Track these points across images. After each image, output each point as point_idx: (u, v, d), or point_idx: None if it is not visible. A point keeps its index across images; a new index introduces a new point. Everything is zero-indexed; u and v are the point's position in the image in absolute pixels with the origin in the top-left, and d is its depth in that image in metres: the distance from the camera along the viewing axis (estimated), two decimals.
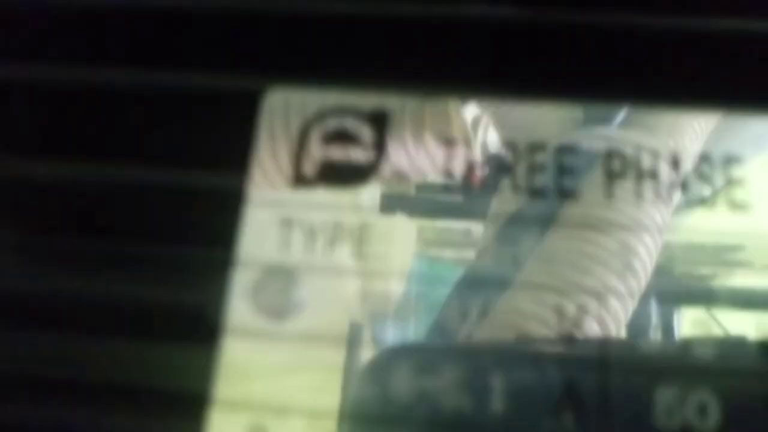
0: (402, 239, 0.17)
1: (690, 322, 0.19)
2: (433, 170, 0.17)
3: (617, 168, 0.16)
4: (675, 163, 0.16)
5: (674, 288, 0.17)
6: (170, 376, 0.15)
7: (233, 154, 0.17)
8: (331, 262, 0.15)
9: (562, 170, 0.16)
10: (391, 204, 0.17)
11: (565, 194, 0.16)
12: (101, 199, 0.17)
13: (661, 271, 0.17)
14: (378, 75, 0.18)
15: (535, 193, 0.16)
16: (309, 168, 0.17)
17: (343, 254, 0.15)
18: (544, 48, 0.17)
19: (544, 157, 0.16)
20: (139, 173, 0.17)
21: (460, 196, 0.19)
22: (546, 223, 0.17)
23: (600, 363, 0.15)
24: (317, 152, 0.17)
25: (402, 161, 0.17)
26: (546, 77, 0.17)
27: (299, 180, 0.16)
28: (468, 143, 0.18)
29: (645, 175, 0.16)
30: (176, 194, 0.17)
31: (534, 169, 0.16)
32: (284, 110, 0.17)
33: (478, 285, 0.17)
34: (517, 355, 0.15)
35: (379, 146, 0.17)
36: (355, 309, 0.15)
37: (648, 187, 0.16)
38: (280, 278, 0.15)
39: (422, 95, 0.17)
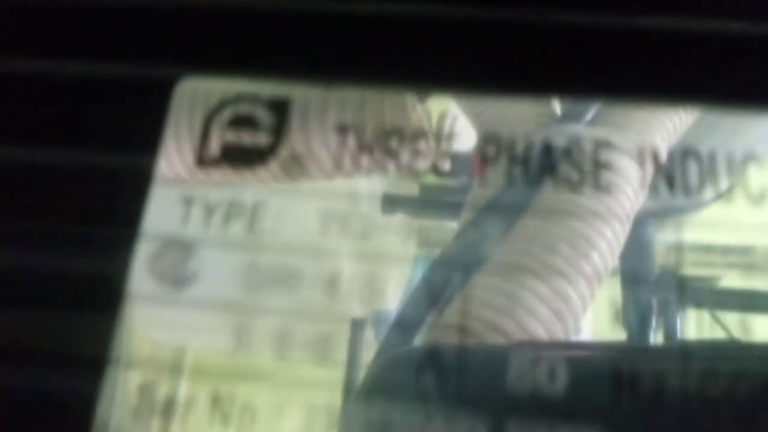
0: (301, 215, 0.18)
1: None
2: (328, 158, 0.18)
3: (578, 160, 0.17)
4: (641, 157, 0.17)
5: (680, 289, 0.18)
6: (74, 339, 0.16)
7: (143, 138, 0.18)
8: (226, 236, 0.17)
9: (537, 162, 0.17)
10: (391, 204, 0.18)
11: (537, 184, 0.17)
12: (21, 179, 0.18)
13: (667, 272, 0.18)
14: (283, 66, 0.19)
15: (511, 182, 0.17)
16: (212, 150, 0.18)
17: (237, 229, 0.17)
18: (498, 45, 0.18)
19: (521, 151, 0.17)
20: (55, 155, 0.18)
21: (461, 197, 0.20)
22: (519, 210, 0.18)
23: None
24: (220, 136, 0.18)
25: (301, 146, 0.18)
26: (499, 73, 0.18)
27: (202, 161, 0.18)
28: (424, 135, 0.19)
29: (604, 169, 0.17)
30: (90, 174, 0.18)
31: (513, 161, 0.17)
32: (192, 99, 0.18)
33: (451, 268, 0.18)
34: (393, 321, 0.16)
35: (278, 131, 0.18)
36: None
37: (609, 180, 0.17)
38: (178, 250, 0.16)
39: (324, 85, 0.19)
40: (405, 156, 0.17)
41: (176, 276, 0.16)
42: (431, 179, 0.24)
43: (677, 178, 0.17)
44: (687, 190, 0.17)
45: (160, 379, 0.16)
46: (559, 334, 0.16)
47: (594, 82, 0.19)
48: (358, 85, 0.19)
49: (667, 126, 0.20)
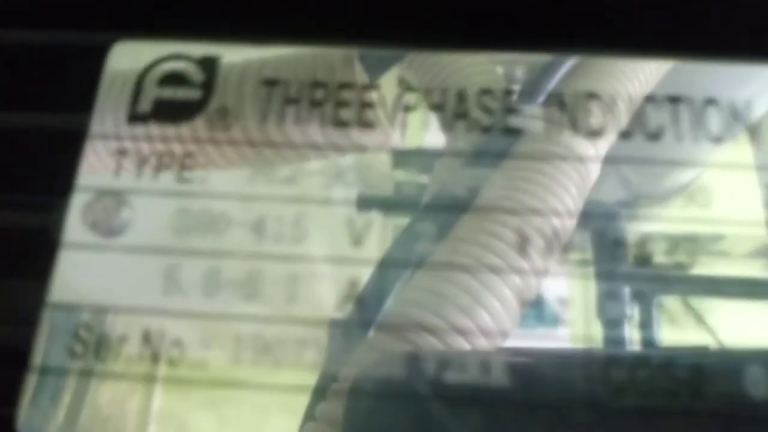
0: (226, 166, 0.19)
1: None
2: (254, 110, 0.18)
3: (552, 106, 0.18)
4: (610, 104, 0.18)
5: (652, 278, 0.18)
6: (11, 287, 0.17)
7: (79, 99, 0.19)
8: (156, 185, 0.17)
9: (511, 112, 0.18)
10: (367, 204, 0.19)
11: (514, 132, 0.18)
12: None
13: (638, 260, 0.18)
14: (213, 27, 0.20)
15: (487, 132, 0.18)
16: (144, 106, 0.18)
17: (168, 179, 0.17)
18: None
19: (494, 102, 0.18)
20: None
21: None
22: (499, 157, 0.19)
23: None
24: (151, 92, 0.19)
25: (229, 100, 0.19)
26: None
27: (134, 117, 0.18)
28: (350, 87, 0.19)
29: (570, 113, 0.18)
30: (28, 133, 0.19)
31: (486, 111, 0.18)
32: (126, 60, 0.19)
33: (437, 210, 0.19)
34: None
35: (208, 86, 0.19)
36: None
37: (579, 125, 0.18)
38: (110, 200, 0.17)
39: (254, 45, 0.19)
40: (335, 113, 0.17)
41: (108, 224, 0.17)
42: (405, 176, 0.25)
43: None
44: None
45: (95, 318, 0.16)
46: (493, 330, 0.17)
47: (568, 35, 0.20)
48: (286, 44, 0.20)
49: (639, 75, 0.20)
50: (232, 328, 0.16)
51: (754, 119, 0.18)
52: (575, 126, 0.18)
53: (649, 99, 0.18)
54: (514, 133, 0.18)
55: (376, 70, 0.21)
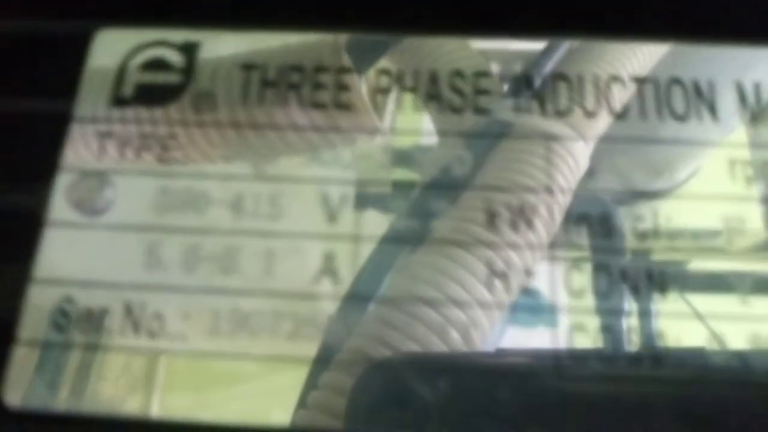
0: (205, 147, 0.19)
1: None
2: (233, 93, 0.19)
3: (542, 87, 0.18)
4: (597, 84, 0.18)
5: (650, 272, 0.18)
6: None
7: (63, 85, 0.19)
8: (138, 166, 0.18)
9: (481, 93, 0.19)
10: (364, 202, 0.19)
11: (483, 112, 0.19)
12: None
13: (636, 255, 0.18)
14: (192, 14, 0.20)
15: (458, 113, 0.18)
16: (126, 90, 0.19)
17: (149, 160, 0.18)
18: None
19: (465, 84, 0.19)
20: None
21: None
22: (471, 137, 0.19)
23: (353, 237, 0.17)
24: (134, 77, 0.19)
25: (208, 84, 0.19)
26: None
27: (117, 101, 0.19)
28: (327, 70, 0.19)
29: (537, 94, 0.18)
30: (16, 117, 0.19)
31: (458, 93, 0.18)
32: (109, 47, 0.19)
33: (437, 187, 0.19)
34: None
35: (188, 71, 0.19)
36: None
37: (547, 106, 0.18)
38: (93, 181, 0.17)
39: (233, 31, 0.20)
40: (312, 95, 0.18)
41: (92, 204, 0.17)
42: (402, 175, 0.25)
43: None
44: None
45: (78, 293, 0.17)
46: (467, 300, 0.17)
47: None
48: (266, 31, 0.20)
49: (638, 55, 0.21)
50: (211, 301, 0.16)
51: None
52: (543, 106, 0.18)
53: (616, 79, 0.19)
54: (483, 113, 0.18)
55: (366, 58, 0.21)
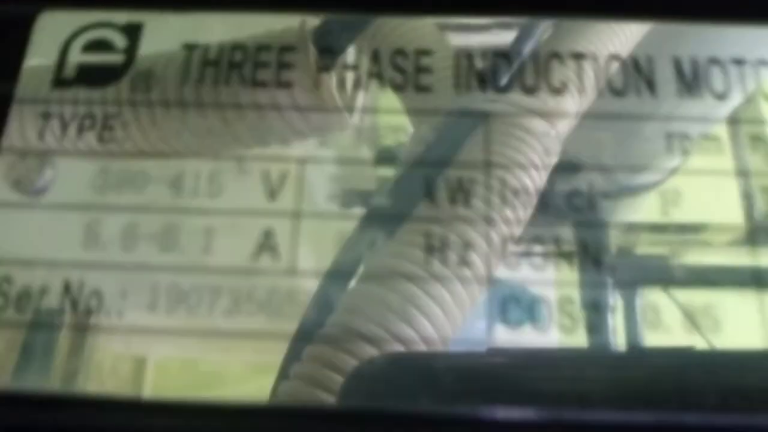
0: (146, 127, 0.19)
1: None
2: (173, 74, 0.19)
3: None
4: (579, 61, 0.19)
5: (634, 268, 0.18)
6: None
7: (4, 67, 0.19)
8: (79, 146, 0.18)
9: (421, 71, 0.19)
10: (350, 199, 0.19)
11: (425, 90, 0.19)
12: None
13: (621, 251, 0.19)
14: None
15: (400, 90, 0.18)
16: (68, 72, 0.19)
17: (90, 139, 0.18)
18: None
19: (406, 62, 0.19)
20: None
21: None
22: (485, 115, 0.19)
23: (293, 214, 0.17)
24: (76, 59, 0.19)
25: (149, 65, 0.19)
26: None
27: (59, 82, 0.19)
28: (268, 49, 0.19)
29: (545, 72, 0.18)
30: None
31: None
32: (51, 29, 0.19)
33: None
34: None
35: (130, 52, 0.19)
36: None
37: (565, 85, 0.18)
38: (34, 161, 0.17)
39: (175, 11, 0.20)
40: (253, 73, 0.18)
41: (32, 184, 0.17)
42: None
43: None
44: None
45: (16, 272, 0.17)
46: (435, 338, 0.17)
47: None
48: (209, 11, 0.20)
49: (619, 35, 0.21)
50: (149, 277, 0.16)
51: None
52: (482, 82, 0.18)
53: (555, 55, 0.19)
54: (425, 90, 0.18)
55: (340, 39, 0.21)
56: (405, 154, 0.20)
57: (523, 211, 0.18)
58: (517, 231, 0.18)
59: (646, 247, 0.20)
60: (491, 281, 0.17)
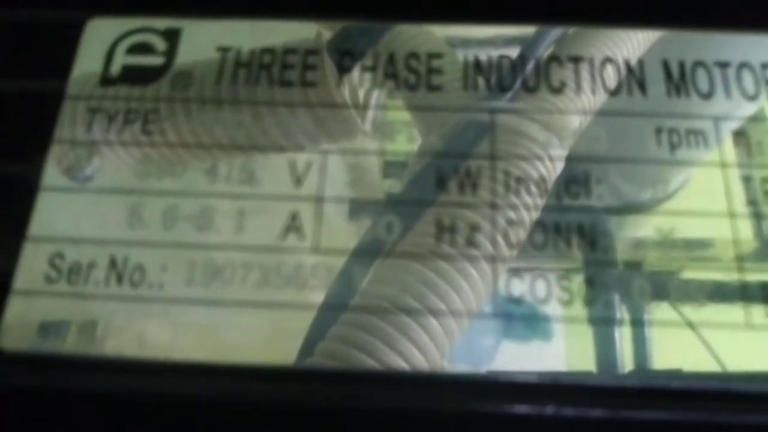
0: (182, 121, 0.21)
1: None
2: (210, 74, 0.20)
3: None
4: (591, 67, 0.20)
5: (642, 283, 0.18)
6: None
7: (58, 66, 0.21)
8: (122, 137, 0.19)
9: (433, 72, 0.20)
10: (359, 210, 0.19)
11: (436, 89, 0.20)
12: None
13: (630, 266, 0.19)
14: (173, 3, 0.22)
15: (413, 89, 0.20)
16: (114, 71, 0.20)
17: (133, 132, 0.19)
18: None
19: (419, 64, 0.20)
20: None
21: None
22: (519, 111, 0.20)
23: (316, 198, 0.19)
24: (121, 60, 0.20)
25: (188, 66, 0.21)
26: None
27: (106, 81, 0.20)
28: (294, 52, 0.20)
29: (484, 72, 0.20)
30: (13, 97, 0.21)
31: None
32: (99, 33, 0.21)
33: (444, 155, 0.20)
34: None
35: (170, 54, 0.21)
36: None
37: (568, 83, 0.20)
38: (83, 150, 0.19)
39: (208, 17, 0.21)
40: (281, 74, 0.19)
41: (81, 171, 0.19)
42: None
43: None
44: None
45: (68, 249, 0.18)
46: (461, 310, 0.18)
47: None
48: (245, 18, 0.22)
49: (633, 40, 0.21)
50: (187, 254, 0.18)
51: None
52: (488, 83, 0.20)
53: (553, 58, 0.20)
54: (436, 89, 0.20)
55: (362, 42, 0.22)
56: (418, 148, 0.21)
57: (531, 198, 0.19)
58: (527, 216, 0.19)
59: (654, 262, 0.20)
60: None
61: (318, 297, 0.17)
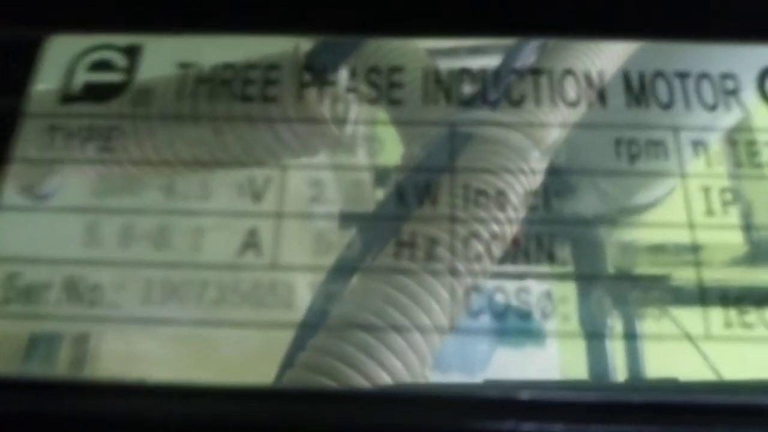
0: (143, 138, 0.20)
1: None
2: (171, 90, 0.20)
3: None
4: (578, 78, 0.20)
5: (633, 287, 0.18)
6: None
7: (16, 85, 0.20)
8: (82, 155, 0.19)
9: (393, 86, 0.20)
10: (348, 221, 0.19)
11: (396, 103, 0.20)
12: None
13: (620, 271, 0.19)
14: (136, 20, 0.22)
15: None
16: (74, 89, 0.20)
17: (93, 150, 0.19)
18: None
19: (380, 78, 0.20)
20: None
21: None
22: (480, 124, 0.20)
23: (276, 214, 0.18)
24: (81, 77, 0.20)
25: (148, 82, 0.20)
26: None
27: (66, 98, 0.20)
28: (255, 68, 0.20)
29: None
30: None
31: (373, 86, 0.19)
32: (59, 51, 0.20)
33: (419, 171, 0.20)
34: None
35: (130, 71, 0.20)
36: None
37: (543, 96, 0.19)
38: (42, 169, 0.18)
39: (169, 33, 0.21)
40: (242, 90, 0.19)
41: (39, 189, 0.18)
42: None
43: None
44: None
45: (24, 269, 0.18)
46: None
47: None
48: (206, 34, 0.22)
49: (612, 52, 0.21)
50: (144, 273, 0.17)
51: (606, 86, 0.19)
52: (448, 96, 0.19)
53: (513, 71, 0.20)
54: (395, 103, 0.19)
55: (334, 58, 0.22)
56: (380, 163, 0.21)
57: (492, 211, 0.19)
58: (495, 228, 0.19)
59: (645, 266, 0.20)
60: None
61: (276, 314, 0.17)
